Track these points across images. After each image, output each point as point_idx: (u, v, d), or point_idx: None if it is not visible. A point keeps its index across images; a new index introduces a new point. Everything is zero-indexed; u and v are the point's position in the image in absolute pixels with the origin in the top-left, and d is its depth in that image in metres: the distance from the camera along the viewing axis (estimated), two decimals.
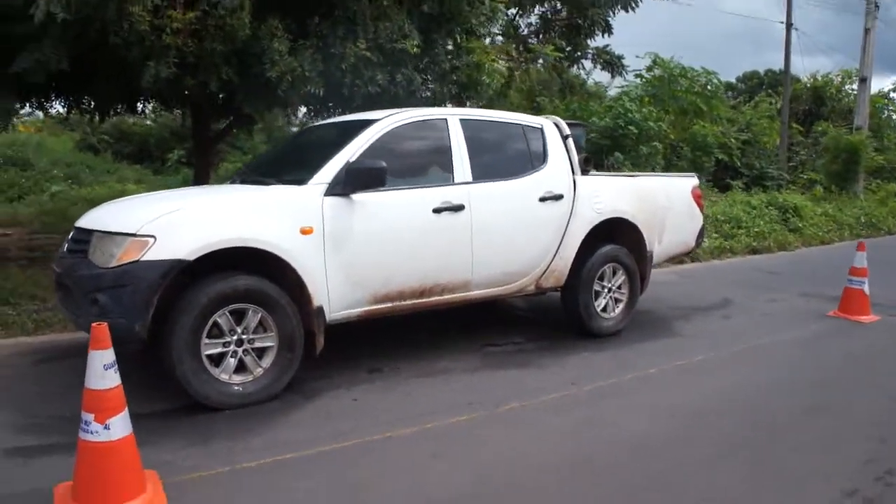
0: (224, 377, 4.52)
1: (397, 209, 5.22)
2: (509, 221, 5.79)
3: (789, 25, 21.90)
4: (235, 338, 4.55)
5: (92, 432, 3.14)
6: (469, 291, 5.66)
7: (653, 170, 16.59)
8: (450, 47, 9.47)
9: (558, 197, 6.05)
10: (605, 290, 6.53)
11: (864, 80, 22.24)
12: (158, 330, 4.37)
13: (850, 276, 7.72)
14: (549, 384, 5.17)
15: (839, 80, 28.33)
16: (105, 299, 4.27)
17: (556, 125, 6.45)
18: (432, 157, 5.63)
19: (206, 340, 4.44)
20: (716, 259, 12.05)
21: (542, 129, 6.29)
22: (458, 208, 5.42)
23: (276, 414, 4.50)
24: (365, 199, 5.01)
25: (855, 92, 24.46)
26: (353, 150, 5.09)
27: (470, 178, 5.58)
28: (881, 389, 5.29)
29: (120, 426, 3.18)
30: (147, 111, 11.83)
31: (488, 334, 6.53)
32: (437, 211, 5.33)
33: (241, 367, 4.61)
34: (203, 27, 6.85)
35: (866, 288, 7.63)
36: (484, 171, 5.71)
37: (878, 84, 58.54)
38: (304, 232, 4.76)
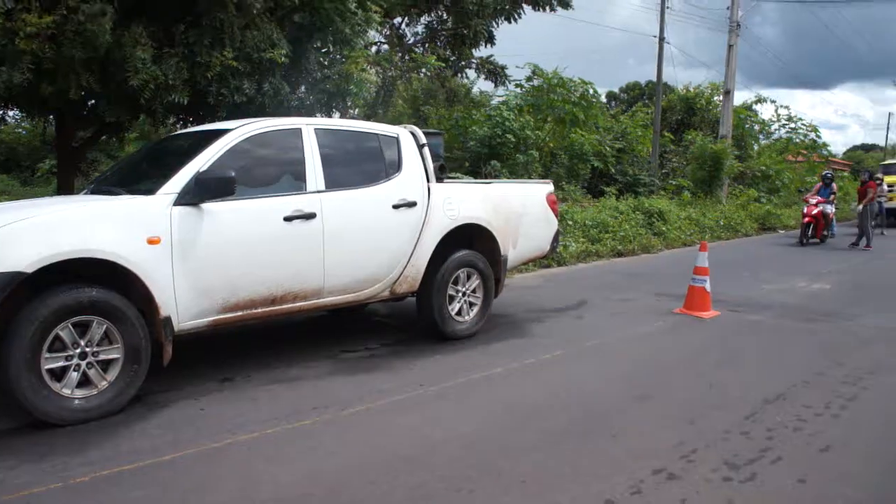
0: (66, 392, 4.45)
1: (248, 218, 5.30)
2: (362, 229, 5.96)
3: (661, 39, 23.02)
4: (79, 351, 4.51)
5: None
6: (322, 298, 5.80)
7: (530, 177, 17.13)
8: (322, 57, 9.63)
9: (412, 204, 6.28)
10: (460, 295, 6.78)
11: (727, 93, 23.67)
12: None
13: (694, 275, 8.32)
14: (396, 386, 5.37)
15: (709, 92, 29.93)
16: None
17: (413, 134, 6.67)
18: (286, 166, 5.73)
19: (47, 355, 4.37)
20: (581, 262, 12.60)
21: (397, 139, 6.50)
22: (310, 216, 5.56)
23: (120, 426, 4.49)
24: (215, 208, 5.09)
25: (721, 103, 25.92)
26: (203, 160, 5.15)
27: (323, 187, 5.73)
28: (703, 377, 5.78)
29: None
30: (8, 119, 11.35)
31: (344, 341, 6.71)
32: (288, 219, 5.45)
33: (84, 381, 4.56)
34: (61, 32, 6.76)
35: (707, 286, 8.24)
36: (338, 179, 5.87)
37: (745, 96, 62.00)
38: (152, 242, 4.78)
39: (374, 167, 6.26)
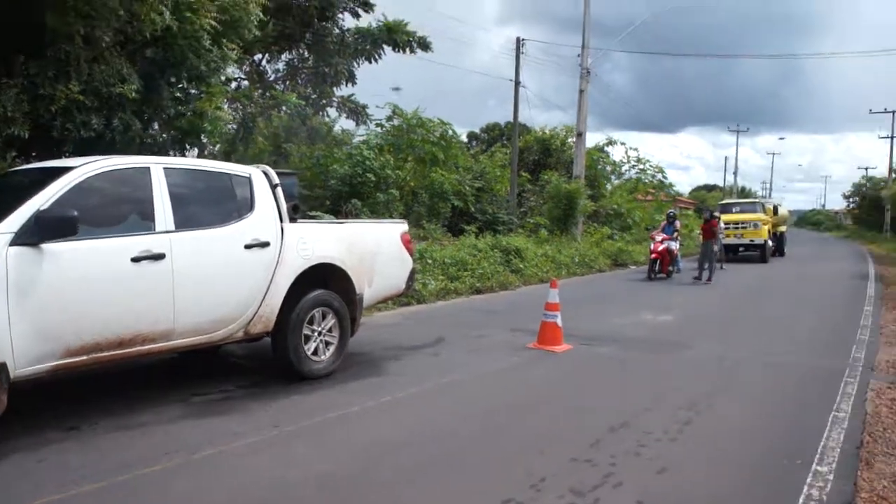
0: None
1: (92, 258, 5.13)
2: (213, 269, 5.89)
3: (517, 84, 23.99)
4: None
5: None
6: (173, 340, 5.66)
7: (391, 216, 17.32)
8: (178, 93, 9.46)
9: (265, 244, 6.26)
10: (316, 334, 6.78)
11: (580, 135, 24.88)
12: None
13: (546, 310, 8.66)
14: (250, 428, 5.31)
15: (563, 134, 31.31)
16: None
17: (266, 174, 6.67)
18: (133, 205, 5.60)
19: None
20: (441, 300, 12.82)
21: (249, 178, 6.48)
22: (159, 257, 5.45)
23: None
24: (57, 248, 4.90)
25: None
26: (44, 199, 4.96)
27: (172, 227, 5.63)
28: (553, 408, 6.06)
29: None
30: None
31: (197, 383, 6.56)
32: (135, 260, 5.32)
33: None
34: None
35: (559, 321, 8.59)
36: (188, 219, 5.78)
37: (598, 138, 65.47)
38: None
39: (225, 207, 6.20)
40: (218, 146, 21.18)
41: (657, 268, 18.39)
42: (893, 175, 42.56)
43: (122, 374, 6.89)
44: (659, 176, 35.54)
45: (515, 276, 15.88)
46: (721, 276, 19.11)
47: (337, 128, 25.69)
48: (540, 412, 5.98)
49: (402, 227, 8.02)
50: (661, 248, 18.45)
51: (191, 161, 6.48)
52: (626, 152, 35.92)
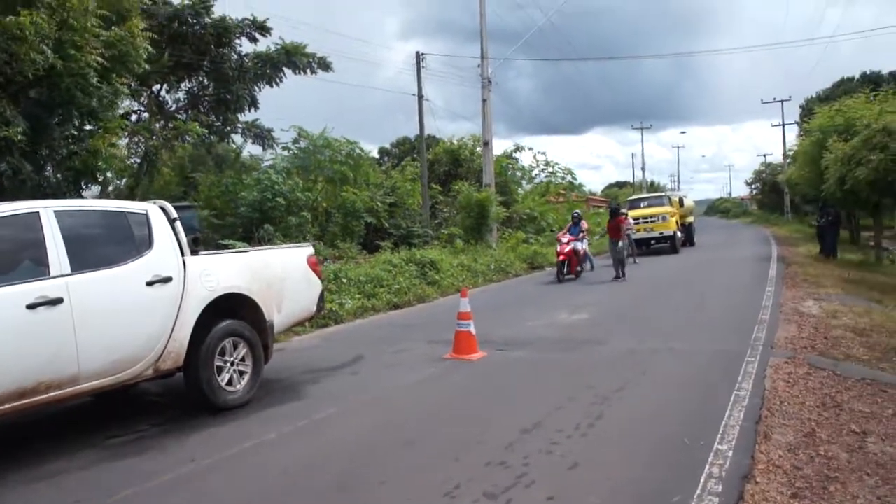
0: None
1: None
2: (115, 309, 5.81)
3: (420, 97, 24.27)
4: None
5: None
6: (79, 385, 5.56)
7: (304, 238, 17.24)
8: (71, 132, 9.25)
9: (167, 279, 6.21)
10: (228, 365, 6.74)
11: (486, 144, 25.30)
12: None
13: (458, 320, 8.79)
14: (167, 465, 5.26)
15: (471, 143, 31.70)
16: None
17: (163, 209, 6.62)
18: (24, 251, 5.49)
19: None
20: (359, 318, 12.83)
21: (146, 215, 6.42)
22: (56, 301, 5.36)
23: None
24: None
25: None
26: None
27: (68, 270, 5.54)
28: (468, 416, 6.19)
29: None
30: None
31: (111, 426, 6.44)
32: (31, 307, 5.22)
33: None
34: None
35: (472, 329, 8.71)
36: (84, 261, 5.69)
37: (508, 145, 66.80)
38: None
39: (123, 245, 6.12)
40: (124, 181, 20.78)
41: (566, 269, 18.38)
42: (787, 160, 44.48)
43: (34, 422, 6.71)
44: (568, 177, 36.42)
45: (432, 289, 16.01)
46: (633, 271, 19.59)
47: (245, 153, 25.50)
48: (455, 420, 6.11)
49: (308, 250, 8.05)
50: (567, 249, 18.42)
51: (83, 202, 6.36)
52: (535, 157, 36.80)
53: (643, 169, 76.42)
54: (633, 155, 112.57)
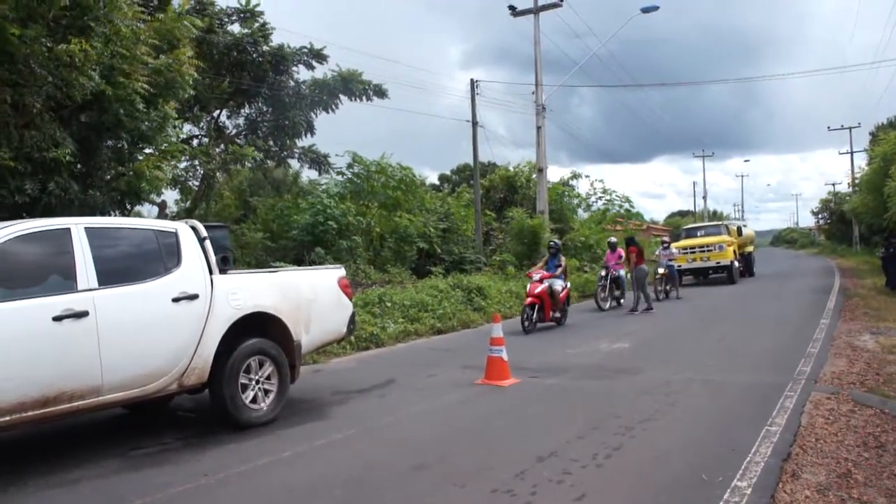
0: None
1: (11, 319, 5.22)
2: (140, 324, 5.97)
3: (475, 124, 24.38)
4: None
5: None
6: (102, 396, 5.73)
7: (355, 262, 17.45)
8: (121, 154, 9.61)
9: (193, 297, 6.35)
10: (253, 382, 6.84)
11: (540, 170, 25.27)
12: None
13: (491, 345, 8.73)
14: (180, 478, 5.35)
15: (527, 170, 31.63)
16: None
17: (194, 228, 6.79)
18: (54, 265, 5.71)
19: None
20: (400, 343, 12.87)
21: (176, 233, 6.60)
22: (82, 314, 5.54)
23: None
24: None
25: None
26: None
27: (95, 285, 5.74)
28: (486, 441, 6.13)
29: None
30: None
31: (138, 438, 6.60)
32: (57, 319, 5.41)
33: None
34: None
35: (504, 355, 8.64)
36: (111, 276, 5.89)
37: (565, 173, 66.59)
38: None
39: (151, 262, 6.31)
40: (189, 202, 21.41)
41: (534, 316, 13.81)
42: (855, 189, 43.20)
43: (64, 432, 6.92)
44: (626, 205, 36.00)
45: (478, 314, 15.98)
46: (686, 299, 19.20)
47: (303, 178, 26.04)
48: (471, 446, 6.05)
49: (339, 272, 8.12)
50: (538, 289, 13.93)
51: (114, 220, 6.61)
52: (592, 184, 36.47)
53: (704, 198, 75.26)
54: (694, 183, 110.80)
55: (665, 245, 20.64)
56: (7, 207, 7.63)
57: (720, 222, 32.42)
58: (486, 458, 5.63)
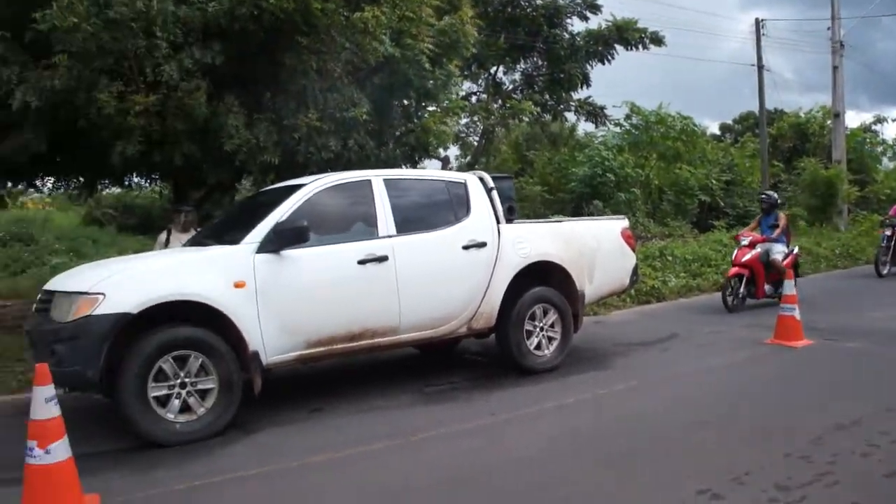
0: (169, 416, 5.07)
1: (324, 262, 5.80)
2: (433, 269, 6.33)
3: (761, 67, 22.68)
4: (179, 381, 5.11)
5: (35, 457, 3.70)
6: (399, 335, 6.19)
7: (633, 215, 17.11)
8: (408, 112, 10.24)
9: (482, 245, 6.59)
10: (538, 329, 6.97)
11: (837, 116, 22.97)
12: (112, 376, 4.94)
13: (782, 303, 8.17)
14: (469, 415, 5.65)
15: (820, 116, 28.85)
16: (62, 349, 4.88)
17: (481, 179, 7.02)
18: (358, 214, 6.23)
19: (153, 384, 5.00)
20: (682, 297, 12.45)
21: (465, 184, 6.87)
22: (382, 259, 5.99)
23: (216, 447, 5.03)
24: (294, 254, 5.61)
25: None
26: (282, 212, 5.72)
27: (394, 232, 6.16)
28: (776, 403, 5.77)
29: (60, 451, 3.75)
30: (135, 184, 12.63)
31: (430, 376, 7.03)
32: (362, 262, 5.89)
33: (185, 408, 5.15)
34: (165, 108, 7.59)
35: (797, 314, 7.99)
36: (408, 224, 6.29)
37: (865, 118, 59.60)
38: (238, 286, 5.37)
39: (443, 212, 6.64)
40: (468, 157, 22.31)
41: (741, 290, 10.67)
42: None
43: (365, 367, 7.59)
44: None
45: None
46: None
47: (579, 131, 25.92)
48: (760, 407, 5.70)
49: (623, 222, 7.99)
50: (746, 256, 10.68)
51: (409, 172, 7.05)
52: None
53: None
54: None
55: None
56: (315, 163, 8.43)
57: None
58: (776, 420, 5.27)
